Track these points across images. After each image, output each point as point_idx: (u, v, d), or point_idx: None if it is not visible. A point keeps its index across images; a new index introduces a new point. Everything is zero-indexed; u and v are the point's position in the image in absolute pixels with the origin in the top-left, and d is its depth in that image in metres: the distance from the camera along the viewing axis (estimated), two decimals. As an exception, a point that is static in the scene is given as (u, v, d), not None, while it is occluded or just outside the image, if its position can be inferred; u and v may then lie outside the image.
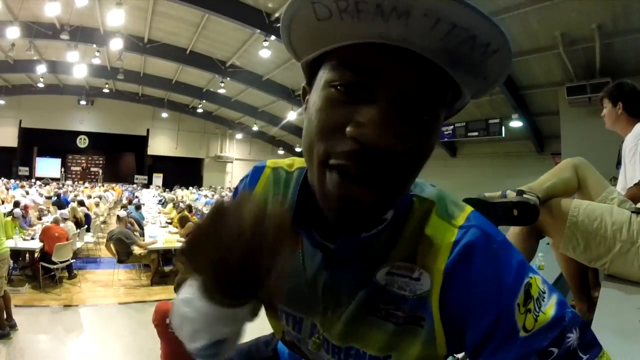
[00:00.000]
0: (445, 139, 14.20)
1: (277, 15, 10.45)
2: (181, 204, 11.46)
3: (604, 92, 2.22)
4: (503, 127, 12.18)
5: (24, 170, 24.05)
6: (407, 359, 0.58)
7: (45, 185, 18.71)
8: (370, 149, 0.45)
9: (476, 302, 0.52)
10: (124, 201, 12.44)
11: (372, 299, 0.59)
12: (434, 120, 0.49)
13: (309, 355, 0.71)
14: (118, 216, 7.92)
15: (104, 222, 11.91)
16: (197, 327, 0.51)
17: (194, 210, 11.23)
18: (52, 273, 6.57)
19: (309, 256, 0.65)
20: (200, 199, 18.06)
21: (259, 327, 1.01)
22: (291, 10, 0.48)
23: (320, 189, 0.51)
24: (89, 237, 8.92)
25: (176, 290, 2.92)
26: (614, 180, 2.52)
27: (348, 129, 0.46)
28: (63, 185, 20.08)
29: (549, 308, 0.51)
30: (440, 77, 0.45)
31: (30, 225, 8.06)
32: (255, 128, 23.95)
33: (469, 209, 0.59)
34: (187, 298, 0.52)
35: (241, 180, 0.79)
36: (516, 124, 12.10)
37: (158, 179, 27.60)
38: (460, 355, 1.20)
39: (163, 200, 16.71)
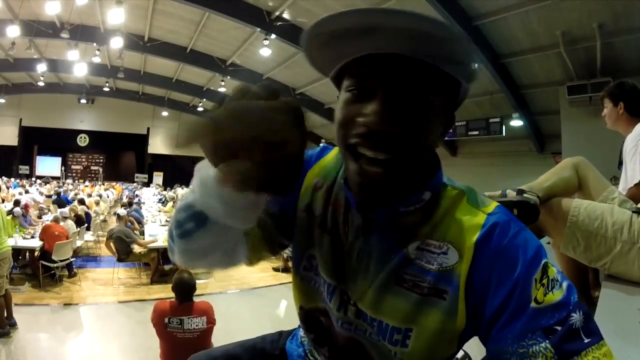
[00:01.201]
0: (446, 138, 14.15)
1: (277, 13, 10.44)
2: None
3: (605, 91, 2.21)
4: (503, 126, 12.17)
5: (24, 169, 24.08)
6: (426, 334, 0.63)
7: (45, 184, 18.72)
8: (374, 131, 0.58)
9: (496, 273, 0.58)
10: (124, 200, 12.45)
11: (400, 269, 0.66)
12: (426, 105, 0.60)
13: (335, 326, 0.75)
14: (118, 215, 7.92)
15: (104, 221, 11.91)
16: (193, 190, 0.61)
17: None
18: (52, 272, 6.58)
19: (352, 221, 0.72)
20: (200, 198, 18.02)
21: (262, 327, 1.01)
22: (307, 42, 0.63)
23: (346, 172, 0.68)
24: (89, 236, 8.92)
25: (174, 289, 2.91)
26: (614, 179, 2.51)
27: (359, 119, 0.60)
28: (63, 183, 20.08)
29: (560, 291, 0.56)
30: (424, 69, 0.58)
31: (31, 224, 8.07)
32: (255, 127, 23.86)
33: (496, 203, 0.67)
34: (203, 173, 0.58)
35: (311, 151, 0.86)
36: (517, 123, 12.09)
37: (158, 177, 27.60)
38: (459, 355, 1.20)
39: (163, 199, 16.72)
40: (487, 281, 0.59)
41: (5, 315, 4.74)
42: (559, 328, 0.53)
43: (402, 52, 0.56)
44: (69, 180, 23.36)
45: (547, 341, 0.52)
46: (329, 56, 0.64)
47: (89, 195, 13.11)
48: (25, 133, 24.16)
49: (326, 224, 0.76)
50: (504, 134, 12.29)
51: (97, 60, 15.03)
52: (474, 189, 0.71)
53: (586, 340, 0.52)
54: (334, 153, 0.84)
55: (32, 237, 6.89)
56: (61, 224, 6.98)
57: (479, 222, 0.63)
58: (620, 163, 2.15)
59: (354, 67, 0.62)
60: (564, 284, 0.57)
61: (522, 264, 0.57)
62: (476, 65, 0.63)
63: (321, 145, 0.87)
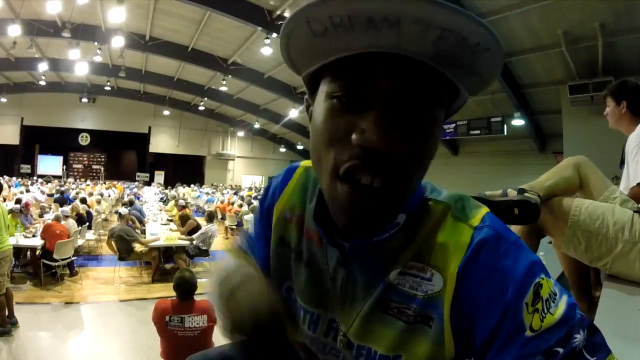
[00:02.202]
0: (447, 137, 14.20)
1: (278, 12, 10.46)
2: (182, 201, 11.45)
3: (607, 90, 2.20)
4: (505, 126, 12.17)
5: (25, 168, 24.13)
6: (416, 359, 0.59)
7: (47, 183, 18.75)
8: (376, 153, 0.48)
9: (484, 300, 0.52)
10: (126, 198, 12.47)
11: (384, 296, 0.61)
12: (432, 121, 0.51)
13: (317, 354, 0.73)
14: (119, 213, 7.93)
15: (105, 220, 11.91)
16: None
17: (190, 207, 11.18)
18: (53, 270, 6.59)
19: (329, 254, 0.67)
20: (202, 197, 18.11)
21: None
22: (288, 28, 0.51)
23: (330, 199, 0.55)
24: (90, 235, 8.93)
25: (175, 288, 2.92)
26: (616, 179, 2.50)
27: (353, 136, 0.49)
28: (65, 182, 20.10)
29: (558, 309, 0.50)
30: (434, 77, 0.48)
31: (32, 223, 8.07)
32: (256, 125, 23.95)
33: (484, 209, 0.60)
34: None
35: (274, 179, 0.82)
36: (518, 122, 12.09)
37: (160, 176, 27.68)
38: None
39: (165, 198, 16.74)
40: (476, 306, 0.53)
41: (7, 313, 4.74)
42: (560, 350, 0.47)
43: (411, 51, 0.46)
44: (71, 179, 23.38)
45: None
46: (315, 49, 0.51)
47: (90, 194, 13.11)
48: (27, 132, 24.21)
49: (302, 256, 0.72)
50: (505, 133, 12.30)
51: (98, 59, 15.08)
52: (463, 196, 0.64)
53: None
54: (297, 176, 0.77)
55: (34, 236, 6.89)
56: (62, 222, 6.98)
57: (465, 241, 0.56)
58: (622, 162, 2.14)
59: (342, 66, 0.50)
60: (563, 299, 0.51)
61: (511, 288, 0.51)
62: (494, 79, 0.54)
63: (284, 169, 0.81)
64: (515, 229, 1.66)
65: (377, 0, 0.42)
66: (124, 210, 8.14)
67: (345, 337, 0.66)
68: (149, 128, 27.00)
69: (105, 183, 21.94)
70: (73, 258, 6.91)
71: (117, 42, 12.51)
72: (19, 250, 6.68)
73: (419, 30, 0.43)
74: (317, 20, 0.47)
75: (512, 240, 0.55)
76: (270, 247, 0.79)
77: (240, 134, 27.75)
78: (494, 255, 0.53)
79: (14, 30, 11.73)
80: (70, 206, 8.75)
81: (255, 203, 12.26)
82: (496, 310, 0.51)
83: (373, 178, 0.50)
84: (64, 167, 26.22)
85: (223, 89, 17.57)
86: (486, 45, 0.46)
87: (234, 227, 12.15)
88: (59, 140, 25.54)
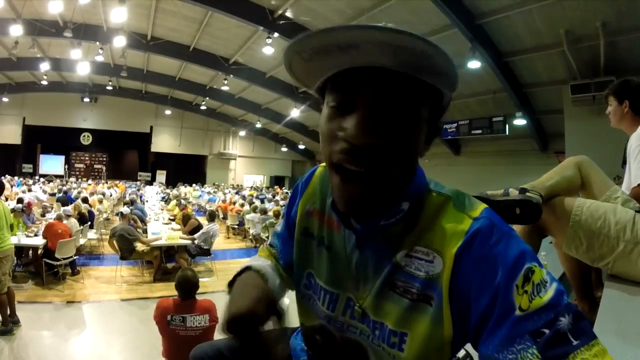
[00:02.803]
0: (449, 137, 14.18)
1: (280, 12, 10.46)
2: (183, 201, 11.47)
3: (610, 89, 2.18)
4: (507, 125, 12.15)
5: (27, 168, 24.16)
6: (418, 339, 0.65)
7: (48, 183, 18.78)
8: (356, 146, 0.60)
9: (476, 284, 0.59)
10: (127, 198, 12.50)
11: (392, 276, 0.69)
12: (410, 116, 0.61)
13: (334, 333, 0.77)
14: (121, 213, 7.93)
15: (107, 219, 11.93)
16: None
17: (191, 206, 11.15)
18: (55, 269, 6.60)
19: (347, 238, 0.76)
20: (203, 196, 18.11)
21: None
22: (287, 58, 0.64)
23: (332, 187, 0.69)
24: (92, 234, 8.95)
25: (176, 287, 2.93)
26: (618, 179, 2.50)
27: (340, 133, 0.62)
28: (66, 182, 20.14)
29: (547, 294, 0.55)
30: (407, 81, 0.59)
31: (34, 222, 8.09)
32: (258, 125, 23.94)
33: (484, 205, 0.68)
34: None
35: (301, 178, 0.95)
36: (520, 122, 12.07)
37: (161, 175, 27.67)
38: (461, 354, 1.19)
39: (166, 197, 16.75)
40: (469, 289, 0.60)
41: (8, 312, 4.75)
42: (546, 331, 0.52)
43: (380, 65, 0.57)
44: (72, 179, 23.41)
45: (535, 346, 0.52)
46: (311, 71, 0.65)
47: (92, 194, 13.13)
48: (29, 132, 24.24)
49: (323, 242, 0.81)
50: (507, 133, 12.27)
51: (100, 59, 15.11)
52: (463, 192, 0.72)
53: (575, 342, 0.51)
54: (319, 173, 0.90)
55: (36, 235, 6.90)
56: (64, 222, 6.99)
57: (463, 228, 0.64)
58: (624, 162, 2.14)
59: (334, 82, 0.64)
60: (552, 286, 0.56)
61: (501, 271, 0.57)
62: (457, 75, 0.63)
63: (311, 169, 0.93)
64: (516, 228, 1.66)
65: (338, 34, 0.55)
66: (125, 209, 8.13)
67: (361, 309, 0.74)
68: (151, 127, 27.03)
69: (107, 182, 21.95)
70: (75, 257, 6.93)
71: (119, 41, 12.54)
72: (21, 250, 6.69)
73: (378, 49, 0.55)
74: (303, 51, 0.60)
75: (505, 230, 0.62)
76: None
77: (242, 133, 27.75)
78: (487, 243, 0.61)
79: (16, 30, 11.75)
80: (72, 205, 8.76)
81: (257, 203, 12.27)
82: (487, 294, 0.57)
83: (357, 166, 0.60)
84: (66, 166, 26.21)
85: (224, 88, 17.58)
86: (430, 52, 0.55)
87: (236, 226, 12.16)
88: (60, 140, 25.56)
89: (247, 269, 0.85)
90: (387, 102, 0.59)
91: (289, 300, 0.94)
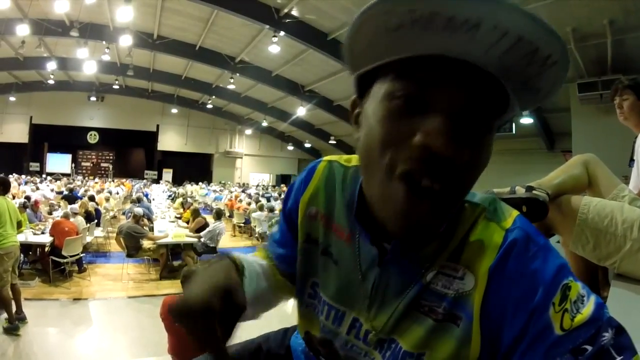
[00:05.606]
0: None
1: (286, 10, 10.44)
2: (189, 199, 11.50)
3: (628, 82, 2.14)
4: (513, 124, 12.08)
5: (34, 166, 24.38)
6: (438, 359, 0.59)
7: (55, 181, 18.90)
8: (437, 157, 0.47)
9: (512, 300, 0.53)
10: (134, 196, 12.55)
11: (418, 296, 0.61)
12: (489, 132, 0.52)
13: (338, 350, 0.72)
14: (133, 212, 7.92)
15: (113, 217, 12.00)
16: None
17: (197, 204, 11.20)
18: (62, 267, 6.66)
19: (363, 252, 0.67)
20: (209, 194, 18.17)
21: (267, 325, 1.01)
22: (362, 18, 0.49)
23: (382, 200, 0.54)
24: (98, 232, 9.00)
25: (182, 283, 2.96)
26: (625, 178, 2.48)
27: (417, 137, 0.48)
28: (73, 180, 20.26)
29: (587, 308, 0.50)
30: (495, 89, 0.48)
31: (41, 220, 8.15)
32: (264, 123, 23.96)
33: (515, 212, 0.61)
34: None
35: (297, 177, 0.83)
36: (526, 120, 12.00)
37: (168, 174, 27.80)
38: None
39: (173, 196, 16.82)
40: (504, 308, 0.54)
41: (15, 309, 4.79)
42: (588, 347, 0.47)
43: (485, 65, 0.46)
44: (79, 177, 23.57)
45: None
46: (381, 45, 0.50)
47: (99, 192, 13.21)
48: (36, 130, 24.45)
49: (329, 252, 0.73)
50: (513, 132, 12.22)
51: (106, 58, 15.15)
52: (494, 197, 0.65)
53: (618, 359, 0.47)
54: (321, 170, 0.79)
55: (43, 232, 6.96)
56: (71, 220, 7.04)
57: (497, 242, 0.57)
58: (632, 160, 2.12)
59: (407, 67, 0.49)
60: (591, 300, 0.51)
61: (540, 290, 0.51)
62: (551, 96, 0.53)
63: (308, 166, 0.82)
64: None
65: (467, 3, 0.43)
66: (138, 210, 8.12)
67: (376, 337, 0.66)
68: (157, 126, 27.16)
69: (113, 181, 22.09)
70: (81, 255, 6.98)
71: (125, 40, 12.58)
72: (28, 247, 6.75)
73: (494, 37, 0.44)
74: (396, 13, 0.45)
75: (541, 243, 0.56)
76: (292, 245, 0.82)
77: (248, 131, 27.80)
78: (524, 258, 0.54)
79: (23, 30, 11.82)
80: (79, 203, 8.82)
81: (263, 201, 12.29)
82: (524, 311, 0.51)
83: (433, 182, 0.49)
84: (73, 165, 26.41)
85: (231, 87, 17.60)
86: (556, 58, 0.46)
87: (242, 224, 12.19)
88: (67, 139, 25.74)
89: (224, 257, 0.70)
90: (472, 109, 0.49)
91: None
